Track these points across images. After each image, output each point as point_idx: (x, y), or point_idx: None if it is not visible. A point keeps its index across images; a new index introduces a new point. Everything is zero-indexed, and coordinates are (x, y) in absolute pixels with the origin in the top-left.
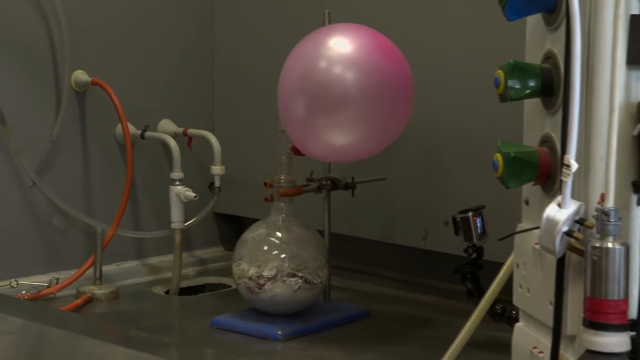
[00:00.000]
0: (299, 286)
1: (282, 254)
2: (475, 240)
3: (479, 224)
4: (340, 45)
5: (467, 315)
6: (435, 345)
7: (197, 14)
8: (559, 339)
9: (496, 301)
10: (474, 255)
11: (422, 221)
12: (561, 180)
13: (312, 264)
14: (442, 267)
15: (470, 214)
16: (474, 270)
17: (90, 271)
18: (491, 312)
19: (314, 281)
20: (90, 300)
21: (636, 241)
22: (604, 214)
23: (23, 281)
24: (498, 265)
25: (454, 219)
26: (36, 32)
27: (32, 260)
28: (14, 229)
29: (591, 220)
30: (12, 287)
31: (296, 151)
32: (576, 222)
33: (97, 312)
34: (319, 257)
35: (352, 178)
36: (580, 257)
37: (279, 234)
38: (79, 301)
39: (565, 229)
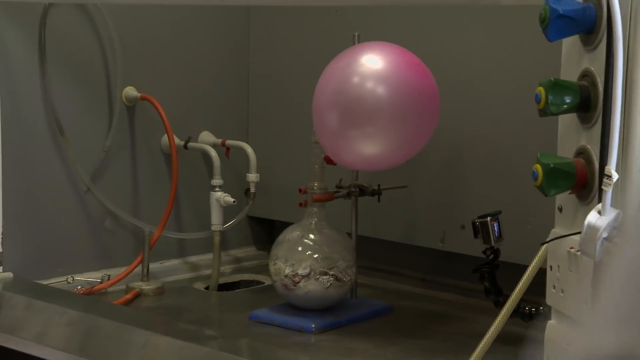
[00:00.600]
0: (330, 283)
1: (315, 254)
2: (493, 243)
3: (496, 228)
4: (372, 62)
5: (483, 311)
6: (455, 339)
7: (234, 37)
8: None
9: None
10: (492, 257)
11: (440, 224)
12: (600, 189)
13: (341, 263)
14: (458, 266)
15: (488, 218)
16: (491, 270)
17: (138, 269)
18: None
19: (344, 279)
20: (138, 295)
21: None
22: None
23: (78, 277)
24: (512, 266)
25: (473, 223)
26: (92, 54)
27: (86, 258)
28: (70, 230)
29: None
30: (69, 282)
31: (329, 160)
32: (615, 228)
33: (145, 306)
34: (348, 257)
35: (378, 185)
36: None
37: (312, 236)
38: (129, 296)
39: (605, 235)
